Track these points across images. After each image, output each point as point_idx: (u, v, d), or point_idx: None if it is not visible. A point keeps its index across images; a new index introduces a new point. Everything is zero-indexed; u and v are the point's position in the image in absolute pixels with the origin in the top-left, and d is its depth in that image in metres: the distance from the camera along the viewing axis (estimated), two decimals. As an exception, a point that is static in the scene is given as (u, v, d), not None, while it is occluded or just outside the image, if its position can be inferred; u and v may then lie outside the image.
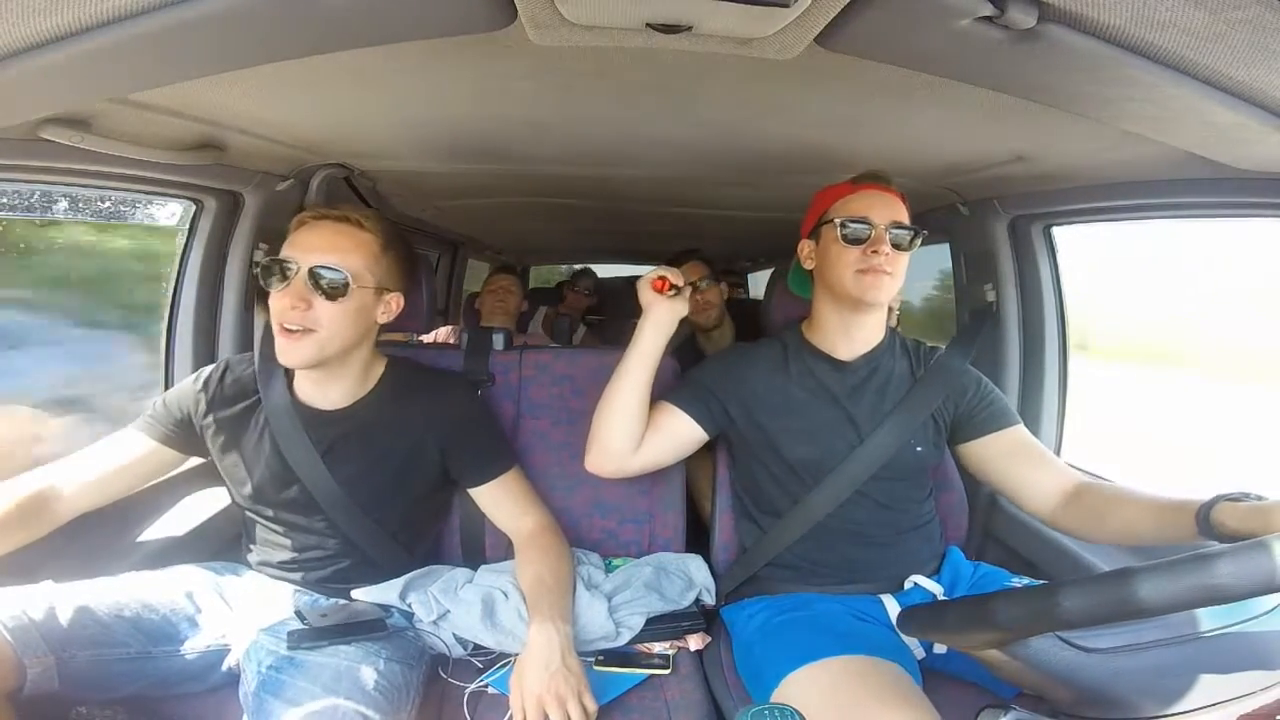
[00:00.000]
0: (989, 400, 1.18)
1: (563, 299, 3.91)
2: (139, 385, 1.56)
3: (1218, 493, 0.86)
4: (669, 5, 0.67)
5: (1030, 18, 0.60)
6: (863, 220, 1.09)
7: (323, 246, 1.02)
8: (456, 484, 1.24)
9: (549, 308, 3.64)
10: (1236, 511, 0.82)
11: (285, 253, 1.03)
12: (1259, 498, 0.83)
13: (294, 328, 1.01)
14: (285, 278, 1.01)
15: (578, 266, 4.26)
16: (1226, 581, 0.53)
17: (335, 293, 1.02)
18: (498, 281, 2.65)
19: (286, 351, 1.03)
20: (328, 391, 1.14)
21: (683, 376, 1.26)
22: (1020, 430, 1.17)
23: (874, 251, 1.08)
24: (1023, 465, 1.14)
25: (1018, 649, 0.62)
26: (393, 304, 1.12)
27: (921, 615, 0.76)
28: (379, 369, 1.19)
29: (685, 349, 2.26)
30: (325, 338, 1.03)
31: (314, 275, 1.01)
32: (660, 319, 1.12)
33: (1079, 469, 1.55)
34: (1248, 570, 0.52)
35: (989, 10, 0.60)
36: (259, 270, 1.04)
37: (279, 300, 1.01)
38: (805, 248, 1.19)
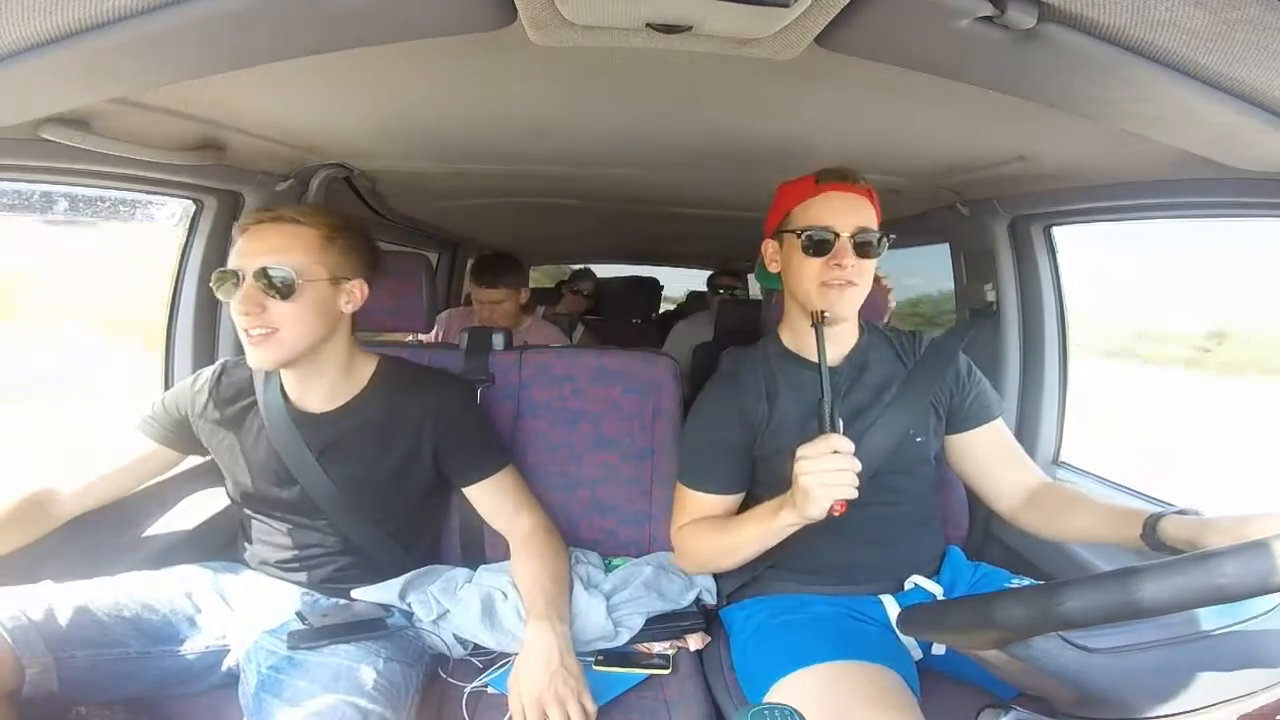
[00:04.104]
0: (977, 391, 1.18)
1: (561, 299, 3.90)
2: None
3: (1166, 508, 0.94)
4: (669, 5, 0.67)
5: (1030, 18, 0.60)
6: (824, 228, 1.04)
7: (263, 249, 1.02)
8: (454, 484, 1.24)
9: (547, 307, 3.64)
10: (1177, 524, 0.89)
11: (231, 263, 1.04)
12: (1197, 514, 0.90)
13: (255, 332, 1.01)
14: (236, 285, 1.01)
15: (576, 267, 4.24)
16: (1230, 581, 0.52)
17: (285, 290, 1.01)
18: (483, 295, 2.25)
19: (253, 355, 1.04)
20: (313, 391, 1.13)
21: (702, 451, 1.16)
22: (1000, 426, 1.18)
23: (837, 264, 1.03)
24: (997, 464, 1.17)
25: (1019, 649, 0.62)
26: (356, 291, 1.11)
27: (922, 615, 0.76)
28: (367, 368, 1.18)
29: (702, 353, 2.27)
30: (288, 336, 1.03)
31: (260, 277, 1.01)
32: (813, 520, 0.95)
33: (1072, 467, 1.55)
34: (1251, 570, 0.52)
35: (989, 10, 0.60)
36: (213, 287, 1.05)
37: (235, 309, 1.01)
38: (769, 248, 1.15)
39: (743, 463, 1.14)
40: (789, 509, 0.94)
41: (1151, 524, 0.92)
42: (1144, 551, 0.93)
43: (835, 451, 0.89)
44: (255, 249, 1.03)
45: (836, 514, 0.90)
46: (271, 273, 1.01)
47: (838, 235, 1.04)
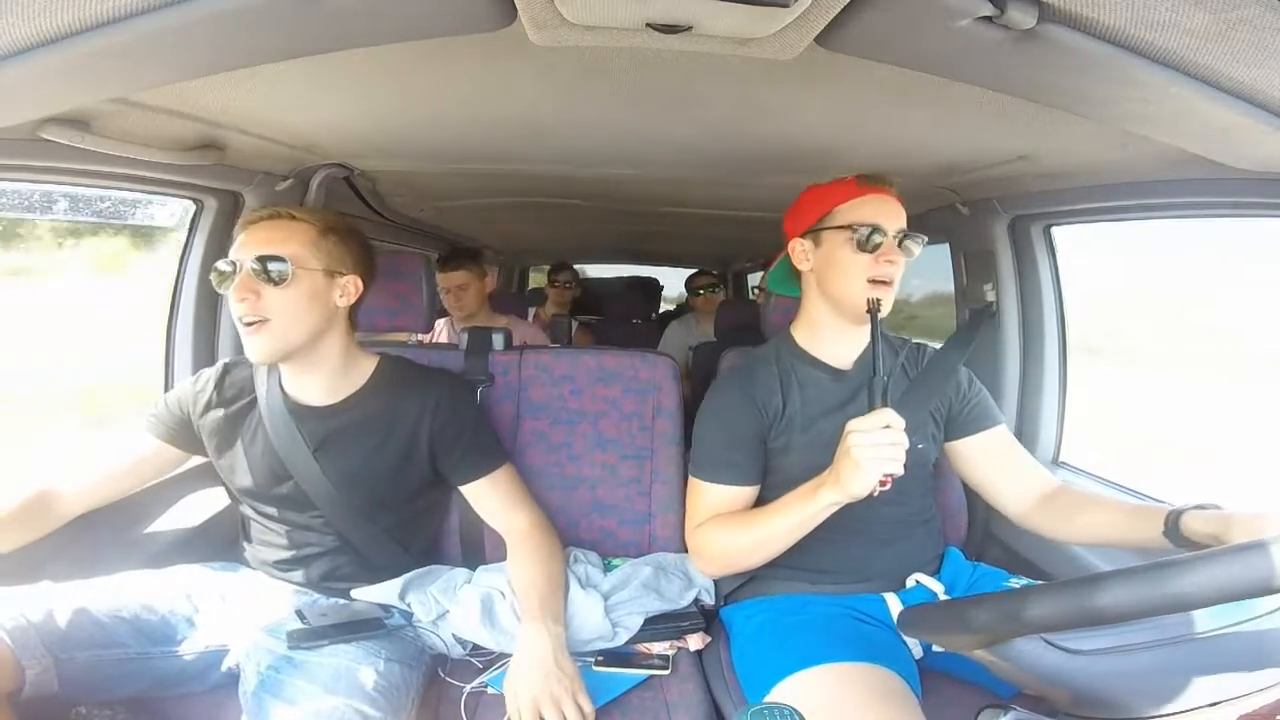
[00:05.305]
0: (977, 399, 1.19)
1: (546, 298, 3.87)
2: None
3: (1186, 502, 0.93)
4: (669, 5, 0.66)
5: (1030, 18, 0.60)
6: (877, 227, 1.07)
7: (260, 241, 1.06)
8: (451, 483, 1.24)
9: (538, 307, 3.65)
10: (1200, 519, 0.89)
11: (231, 256, 1.06)
12: (1217, 508, 0.90)
13: (250, 320, 1.04)
14: (233, 275, 1.04)
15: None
16: (1187, 590, 0.53)
17: (280, 278, 1.04)
18: (448, 280, 2.28)
19: (250, 346, 1.06)
20: (310, 385, 1.14)
21: (718, 443, 1.14)
22: (1002, 430, 1.19)
23: (888, 261, 1.07)
24: (1002, 466, 1.18)
25: (1003, 650, 0.63)
26: (350, 286, 1.13)
27: (914, 616, 0.76)
28: (367, 365, 1.19)
29: (704, 352, 2.27)
30: (281, 325, 1.05)
31: (256, 266, 1.03)
32: (856, 498, 0.95)
33: (1072, 467, 1.55)
34: (1208, 579, 0.52)
35: (989, 10, 0.60)
36: (214, 280, 1.07)
37: (233, 299, 1.04)
38: (798, 247, 1.16)
39: (759, 453, 1.14)
40: (830, 487, 0.94)
41: (1173, 520, 0.91)
42: (1165, 549, 0.92)
43: (887, 426, 0.89)
44: (253, 241, 1.06)
45: (878, 493, 0.91)
46: (267, 261, 1.03)
47: (886, 234, 1.07)
